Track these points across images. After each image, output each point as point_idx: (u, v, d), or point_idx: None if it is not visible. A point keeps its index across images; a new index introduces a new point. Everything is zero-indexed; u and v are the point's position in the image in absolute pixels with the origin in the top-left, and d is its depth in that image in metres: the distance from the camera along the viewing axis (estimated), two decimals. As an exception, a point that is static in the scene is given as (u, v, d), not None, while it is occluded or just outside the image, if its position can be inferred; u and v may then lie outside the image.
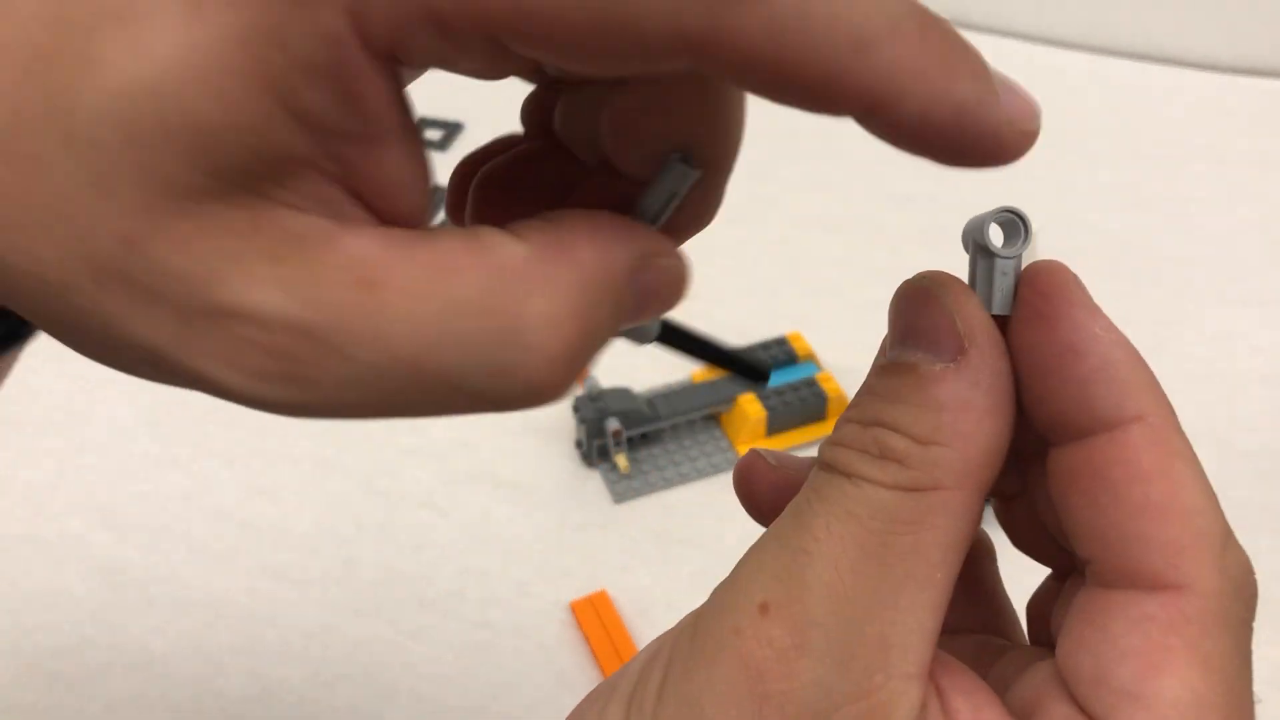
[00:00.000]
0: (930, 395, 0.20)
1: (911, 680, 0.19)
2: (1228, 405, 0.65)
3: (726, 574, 0.22)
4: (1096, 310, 0.20)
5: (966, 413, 0.20)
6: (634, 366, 0.68)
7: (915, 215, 0.80)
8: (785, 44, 0.16)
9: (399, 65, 0.18)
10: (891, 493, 0.19)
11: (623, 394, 0.62)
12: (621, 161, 0.22)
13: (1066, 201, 0.82)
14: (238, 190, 0.17)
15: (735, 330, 0.68)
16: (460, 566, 0.57)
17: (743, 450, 0.63)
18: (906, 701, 0.19)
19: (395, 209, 0.19)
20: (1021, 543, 0.24)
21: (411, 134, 0.19)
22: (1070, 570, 0.23)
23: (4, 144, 0.17)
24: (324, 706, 0.52)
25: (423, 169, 0.19)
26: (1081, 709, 0.19)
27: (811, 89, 0.17)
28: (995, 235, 0.21)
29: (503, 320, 0.18)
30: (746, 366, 0.25)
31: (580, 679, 0.52)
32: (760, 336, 0.68)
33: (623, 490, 0.61)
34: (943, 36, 0.17)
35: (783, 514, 0.21)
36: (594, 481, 0.62)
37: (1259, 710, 0.20)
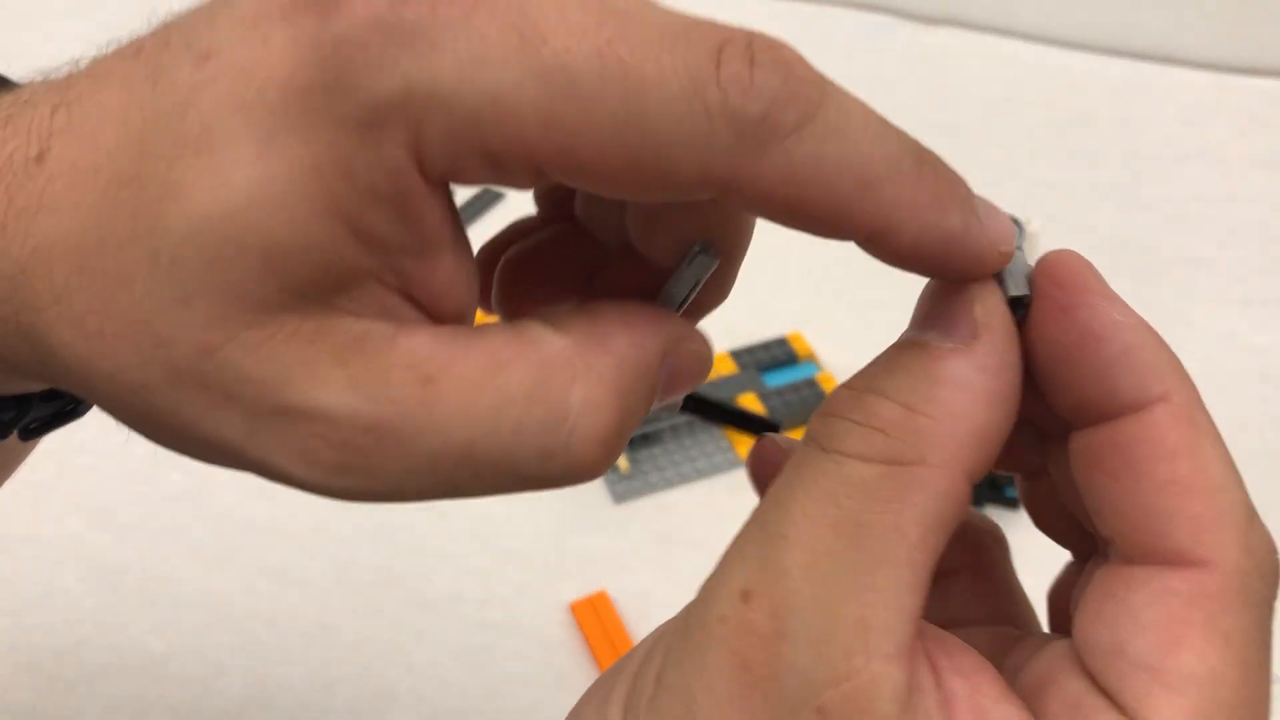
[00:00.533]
0: (931, 368, 0.20)
1: (892, 661, 0.18)
2: (1227, 405, 0.65)
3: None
4: (1114, 296, 0.20)
5: (963, 392, 0.20)
6: (634, 366, 0.68)
7: (915, 215, 0.80)
8: (800, 187, 0.18)
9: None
10: (870, 468, 0.19)
11: (623, 394, 0.62)
12: (646, 250, 0.23)
13: (1066, 201, 0.82)
14: (306, 302, 0.19)
15: (736, 330, 0.68)
16: (460, 567, 0.57)
17: (742, 450, 0.63)
18: (889, 684, 0.18)
19: (446, 310, 0.20)
20: (1043, 523, 0.24)
21: (461, 243, 0.20)
22: (1090, 554, 0.23)
23: (91, 260, 0.19)
24: (323, 707, 0.52)
25: (471, 272, 0.21)
26: (1096, 682, 0.19)
27: (821, 222, 0.19)
28: None
29: (549, 408, 0.19)
30: (759, 423, 0.26)
31: (580, 679, 0.52)
32: (760, 337, 0.68)
33: (623, 490, 0.61)
34: (934, 171, 0.19)
35: (765, 496, 0.21)
36: (594, 482, 0.62)
37: (1276, 690, 0.20)
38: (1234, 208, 0.81)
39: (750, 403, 0.62)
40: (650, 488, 0.61)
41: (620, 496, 0.61)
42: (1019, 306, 0.21)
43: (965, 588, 0.25)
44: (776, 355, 0.67)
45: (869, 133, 0.19)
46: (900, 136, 0.20)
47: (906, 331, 0.21)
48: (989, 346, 0.20)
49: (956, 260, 0.20)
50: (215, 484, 0.62)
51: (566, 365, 0.20)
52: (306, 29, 0.18)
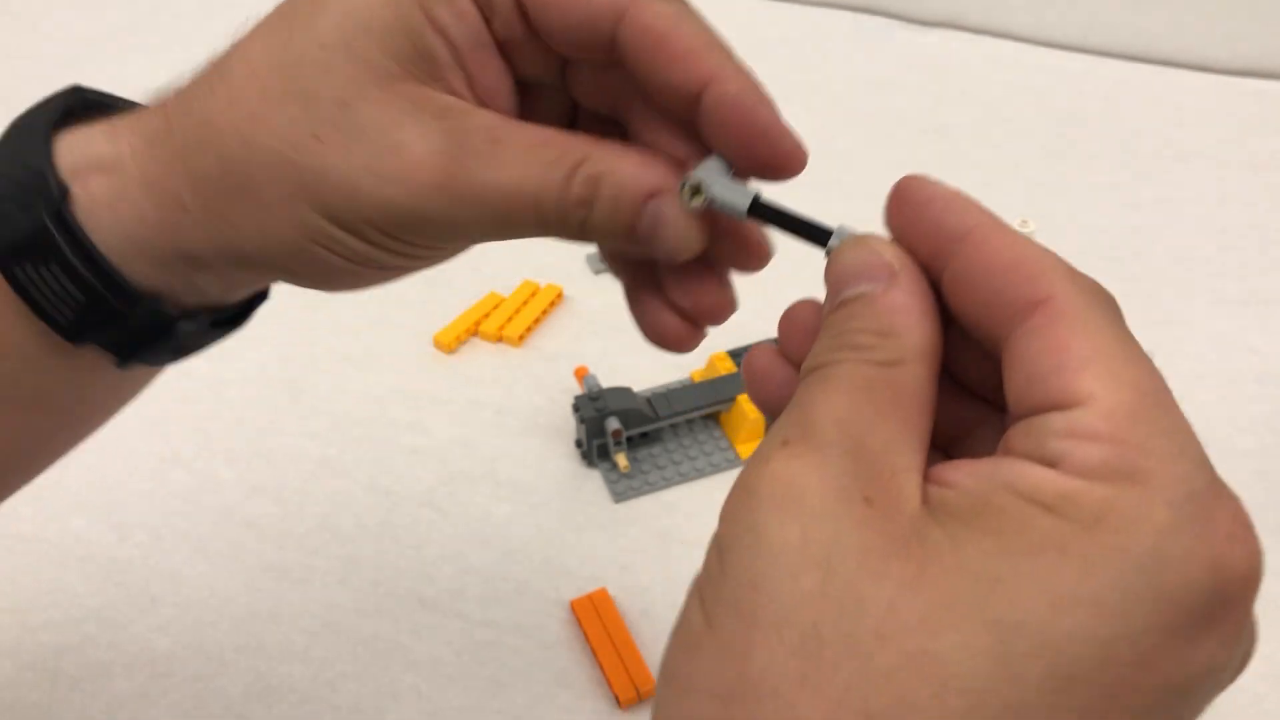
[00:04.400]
0: (882, 305, 0.25)
1: (912, 472, 0.23)
2: (1225, 405, 0.65)
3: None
4: (956, 198, 0.25)
5: (908, 313, 0.25)
6: (634, 366, 0.68)
7: (914, 216, 0.80)
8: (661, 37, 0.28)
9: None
10: (870, 368, 0.24)
11: (623, 394, 0.62)
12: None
13: (1064, 202, 0.82)
14: (410, 78, 0.28)
15: (735, 329, 0.69)
16: (461, 565, 0.58)
17: (742, 450, 0.63)
18: (913, 483, 0.23)
19: (497, 109, 0.30)
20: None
21: (502, 62, 0.30)
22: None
23: (260, 67, 0.29)
24: (326, 705, 0.52)
25: (512, 88, 0.30)
26: (1030, 412, 0.23)
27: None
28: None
29: (569, 167, 0.28)
30: (818, 231, 0.30)
31: (580, 677, 0.52)
32: (760, 336, 0.68)
33: (623, 490, 0.61)
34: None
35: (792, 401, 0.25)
36: (594, 481, 0.62)
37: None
38: (1230, 209, 0.81)
39: (749, 402, 0.63)
40: (650, 487, 0.61)
41: (620, 495, 0.61)
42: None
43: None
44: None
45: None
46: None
47: (835, 297, 0.27)
48: (908, 280, 0.25)
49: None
50: (217, 482, 0.62)
51: (585, 144, 0.28)
52: None
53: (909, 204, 0.26)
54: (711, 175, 0.29)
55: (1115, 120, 0.91)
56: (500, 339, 0.71)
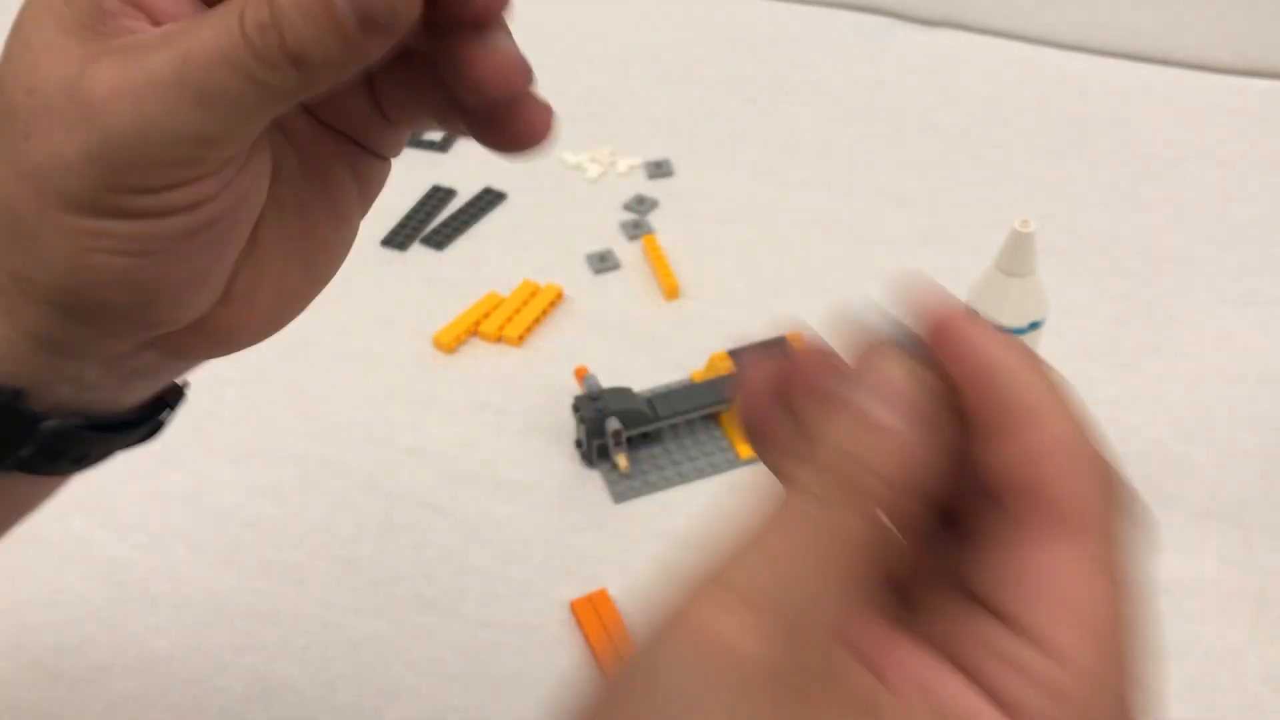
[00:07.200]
0: (905, 452, 0.23)
1: (854, 660, 0.21)
2: (1226, 405, 0.65)
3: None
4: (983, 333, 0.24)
5: (923, 469, 0.23)
6: (634, 366, 0.68)
7: (915, 215, 0.80)
8: None
9: None
10: (867, 524, 0.22)
11: (623, 394, 0.62)
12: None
13: (1064, 202, 0.82)
14: (86, 40, 0.27)
15: (736, 330, 0.69)
16: (460, 566, 0.58)
17: (743, 450, 0.63)
18: (852, 673, 0.21)
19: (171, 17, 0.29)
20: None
21: None
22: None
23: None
24: (325, 705, 0.52)
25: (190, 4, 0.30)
26: (997, 612, 0.21)
27: None
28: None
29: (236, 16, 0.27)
30: None
31: (580, 678, 0.52)
32: (760, 337, 0.68)
33: (623, 490, 0.61)
34: None
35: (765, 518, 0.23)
36: (594, 481, 0.62)
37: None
38: (1232, 208, 0.81)
39: (750, 402, 0.63)
40: (650, 487, 0.61)
41: (620, 496, 0.61)
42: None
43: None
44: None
45: None
46: None
47: (852, 385, 0.25)
48: (934, 426, 0.23)
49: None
50: (216, 483, 0.62)
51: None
52: None
53: (964, 356, 0.24)
54: None
55: (1115, 120, 0.90)
56: (500, 339, 0.71)
